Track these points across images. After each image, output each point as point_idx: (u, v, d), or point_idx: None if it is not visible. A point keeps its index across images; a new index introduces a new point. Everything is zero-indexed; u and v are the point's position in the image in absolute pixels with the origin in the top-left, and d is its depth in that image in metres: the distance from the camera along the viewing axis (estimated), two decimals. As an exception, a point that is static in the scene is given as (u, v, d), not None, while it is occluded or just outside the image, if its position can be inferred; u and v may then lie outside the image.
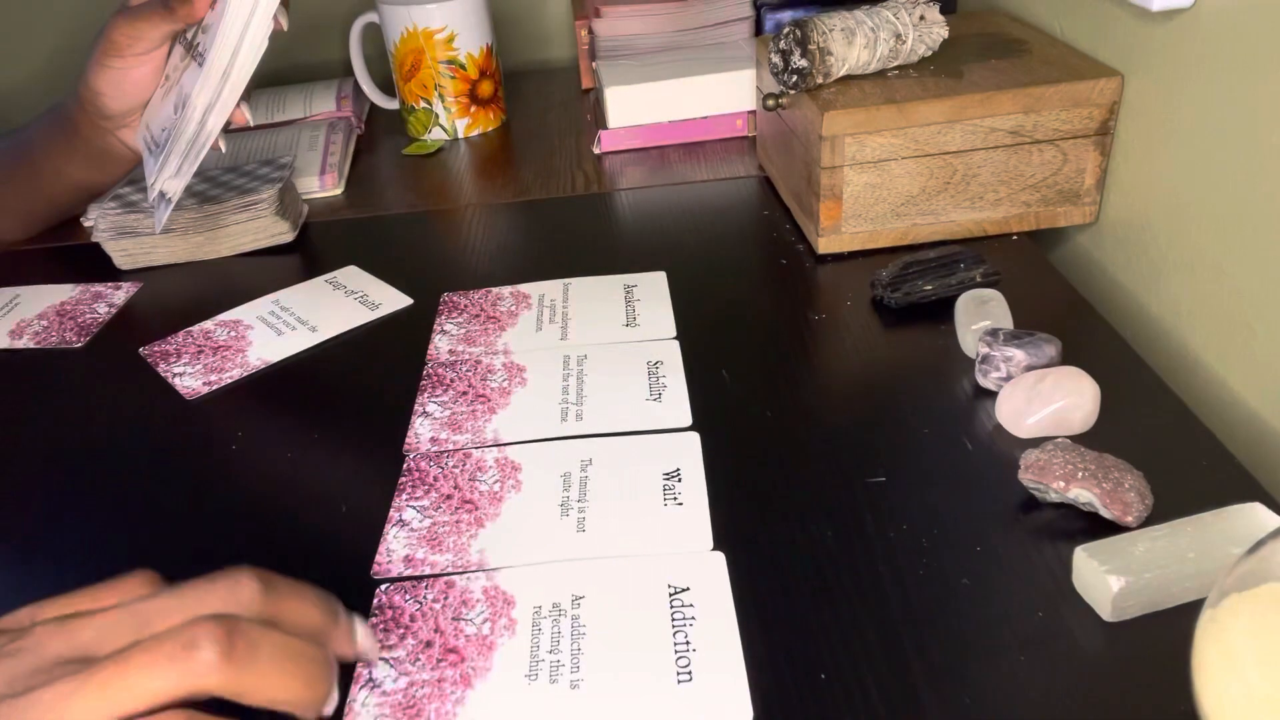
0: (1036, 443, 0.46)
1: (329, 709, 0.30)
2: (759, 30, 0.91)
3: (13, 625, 0.30)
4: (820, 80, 0.62)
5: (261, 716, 0.29)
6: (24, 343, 0.64)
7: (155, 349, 0.61)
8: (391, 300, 0.64)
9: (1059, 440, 0.44)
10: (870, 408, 0.51)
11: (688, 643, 0.39)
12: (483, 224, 0.75)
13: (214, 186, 0.74)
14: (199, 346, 0.61)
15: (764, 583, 0.41)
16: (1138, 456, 0.44)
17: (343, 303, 0.65)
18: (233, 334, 0.62)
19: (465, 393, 0.54)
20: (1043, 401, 0.47)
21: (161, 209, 0.64)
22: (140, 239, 0.71)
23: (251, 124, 0.65)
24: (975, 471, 0.46)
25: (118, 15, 0.63)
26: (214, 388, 0.57)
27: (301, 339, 0.61)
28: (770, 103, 0.65)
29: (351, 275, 0.68)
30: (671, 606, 0.40)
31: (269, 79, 1.00)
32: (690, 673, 0.38)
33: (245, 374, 0.58)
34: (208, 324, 0.63)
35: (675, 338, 0.58)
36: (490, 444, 0.50)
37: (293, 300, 0.66)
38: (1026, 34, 0.69)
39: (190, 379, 0.58)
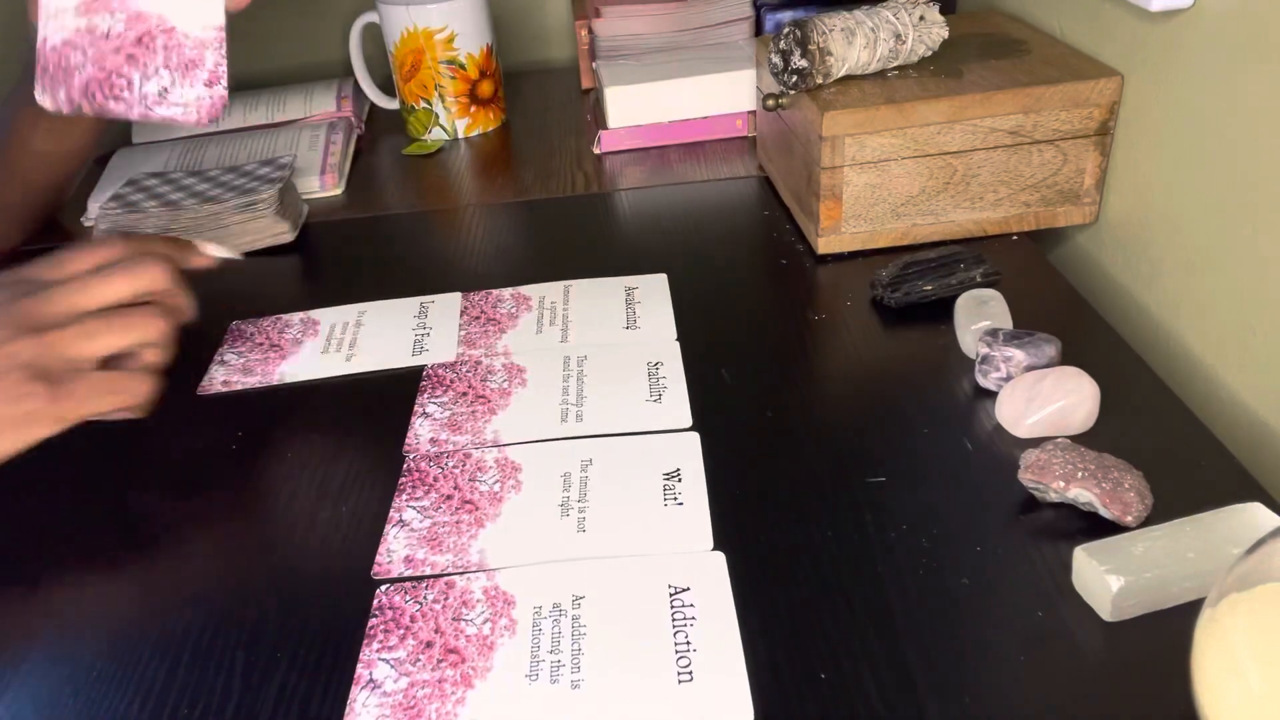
0: (1036, 443, 0.46)
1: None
2: (759, 30, 0.91)
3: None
4: (820, 80, 0.62)
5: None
6: (24, 343, 0.64)
7: (240, 327, 0.62)
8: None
9: (1059, 440, 0.44)
10: (870, 408, 0.51)
11: (688, 643, 0.39)
12: (483, 224, 0.75)
13: (214, 186, 0.74)
14: (268, 340, 0.61)
15: (764, 583, 0.41)
16: (1137, 456, 0.44)
17: (404, 337, 0.60)
18: (296, 335, 0.61)
19: (465, 393, 0.54)
20: (1042, 401, 0.47)
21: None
22: (140, 239, 0.71)
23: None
24: (975, 471, 0.46)
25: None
26: (230, 389, 0.57)
27: (333, 365, 0.58)
28: (770, 103, 0.65)
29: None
30: (672, 606, 0.40)
31: (269, 79, 1.00)
32: (690, 673, 0.38)
33: (263, 384, 0.57)
34: (295, 316, 0.63)
35: (675, 339, 0.58)
36: (490, 444, 0.50)
37: (369, 317, 0.62)
38: (1026, 34, 0.69)
39: (224, 371, 0.58)
